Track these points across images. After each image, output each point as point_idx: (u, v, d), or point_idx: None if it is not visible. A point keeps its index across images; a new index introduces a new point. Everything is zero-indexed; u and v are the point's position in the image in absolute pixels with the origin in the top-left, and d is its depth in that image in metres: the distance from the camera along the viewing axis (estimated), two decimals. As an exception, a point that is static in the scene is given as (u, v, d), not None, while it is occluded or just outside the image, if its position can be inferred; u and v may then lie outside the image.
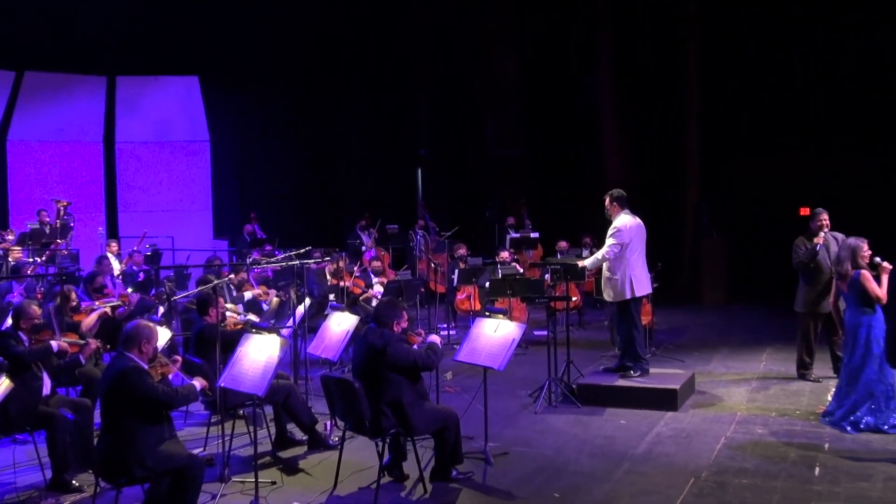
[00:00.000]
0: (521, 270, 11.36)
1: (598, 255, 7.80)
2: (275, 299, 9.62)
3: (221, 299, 6.72)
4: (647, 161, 15.50)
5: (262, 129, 17.39)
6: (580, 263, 8.00)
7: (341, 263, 10.34)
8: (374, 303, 10.13)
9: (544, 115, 17.50)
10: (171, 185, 16.87)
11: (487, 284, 10.49)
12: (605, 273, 7.83)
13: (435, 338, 5.85)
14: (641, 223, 7.87)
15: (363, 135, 18.01)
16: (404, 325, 5.78)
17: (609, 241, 7.72)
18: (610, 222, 7.90)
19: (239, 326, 6.86)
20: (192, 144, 17.01)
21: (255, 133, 17.41)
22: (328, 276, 10.33)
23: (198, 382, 5.24)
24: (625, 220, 7.75)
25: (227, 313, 7.30)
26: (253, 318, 7.39)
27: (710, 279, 14.65)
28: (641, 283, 7.83)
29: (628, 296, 7.76)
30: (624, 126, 15.80)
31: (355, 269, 11.20)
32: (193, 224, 16.56)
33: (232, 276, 9.38)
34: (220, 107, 17.00)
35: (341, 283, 10.15)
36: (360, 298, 10.35)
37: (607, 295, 7.88)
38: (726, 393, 8.06)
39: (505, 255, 11.25)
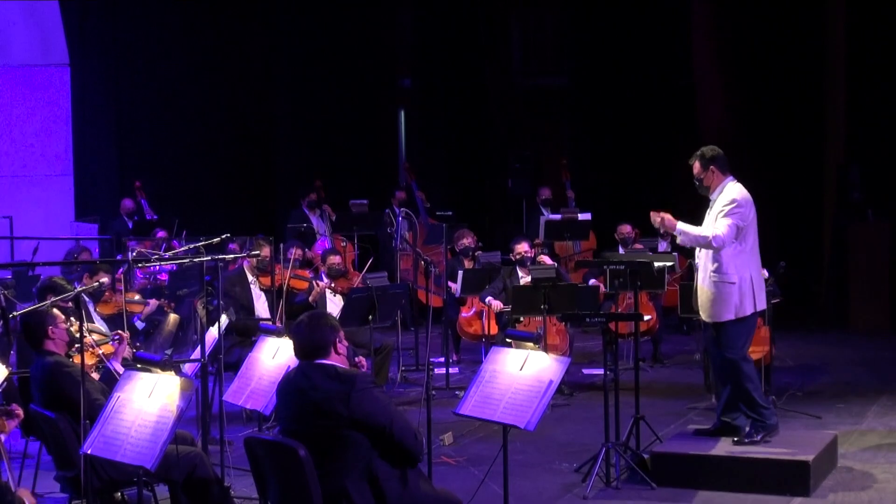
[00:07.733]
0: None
1: (707, 231, 7.71)
2: (172, 316, 9.62)
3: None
4: (764, 100, 15.46)
5: (154, 50, 17.33)
6: (676, 226, 7.78)
7: (266, 250, 10.24)
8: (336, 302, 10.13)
9: (602, 25, 17.46)
10: (10, 135, 16.83)
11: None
12: (711, 276, 7.74)
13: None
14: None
15: (310, 56, 17.95)
16: (345, 345, 5.66)
17: (724, 220, 7.67)
18: (703, 199, 7.88)
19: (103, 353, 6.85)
20: (43, 72, 16.97)
21: (141, 56, 17.34)
22: (250, 276, 10.29)
23: (26, 498, 5.21)
24: (741, 191, 7.81)
25: (91, 337, 7.27)
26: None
27: (862, 289, 14.61)
28: (761, 289, 7.91)
29: (749, 310, 7.78)
30: (728, 42, 15.75)
31: (289, 265, 11.15)
32: (44, 198, 16.52)
33: (90, 281, 9.28)
34: (87, 14, 16.94)
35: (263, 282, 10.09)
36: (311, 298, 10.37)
37: (711, 312, 7.78)
38: (888, 468, 8.05)
39: (522, 247, 11.18)
